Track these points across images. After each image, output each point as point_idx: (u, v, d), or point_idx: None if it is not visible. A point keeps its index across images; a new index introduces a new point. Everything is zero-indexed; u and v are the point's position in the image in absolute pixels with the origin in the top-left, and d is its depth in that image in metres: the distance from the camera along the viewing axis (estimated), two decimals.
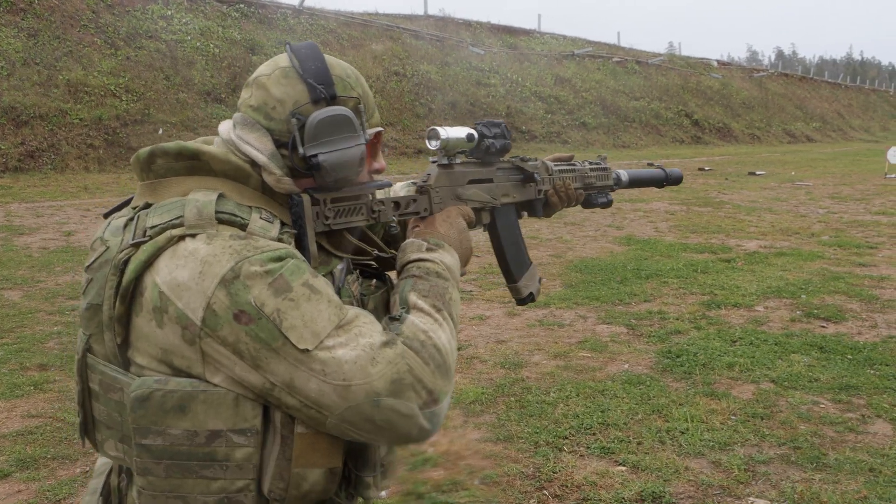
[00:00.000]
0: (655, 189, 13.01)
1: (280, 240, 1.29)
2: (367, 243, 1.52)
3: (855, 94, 61.50)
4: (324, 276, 1.35)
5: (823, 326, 6.16)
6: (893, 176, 20.17)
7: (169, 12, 21.50)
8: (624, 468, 3.73)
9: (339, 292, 1.38)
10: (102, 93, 17.87)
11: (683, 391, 4.73)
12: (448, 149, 1.64)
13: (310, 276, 1.25)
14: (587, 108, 31.89)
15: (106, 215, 1.42)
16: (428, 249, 1.49)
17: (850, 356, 5.36)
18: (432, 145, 1.63)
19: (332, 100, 1.38)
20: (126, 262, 1.25)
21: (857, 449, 3.93)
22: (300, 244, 1.34)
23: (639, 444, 4.00)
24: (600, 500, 3.45)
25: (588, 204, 2.09)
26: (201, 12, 22.64)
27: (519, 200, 1.85)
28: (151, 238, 1.24)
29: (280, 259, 1.23)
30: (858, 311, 6.62)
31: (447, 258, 1.49)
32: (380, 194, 1.58)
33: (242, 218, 1.28)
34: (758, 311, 6.64)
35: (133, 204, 1.37)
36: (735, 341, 5.77)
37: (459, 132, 1.63)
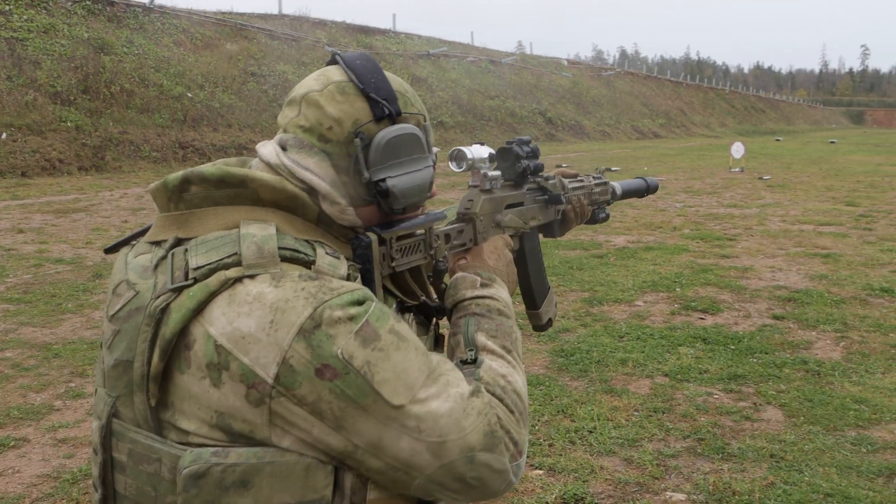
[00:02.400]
0: None
1: (349, 278, 1.15)
2: (419, 283, 1.37)
3: (695, 91, 64.85)
4: None
5: (702, 318, 6.43)
6: (738, 170, 21.38)
7: (7, 7, 20.18)
8: (541, 472, 3.76)
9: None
10: None
11: (584, 389, 4.82)
12: (475, 169, 1.53)
13: (394, 320, 1.11)
14: (444, 107, 32.22)
15: (109, 250, 1.25)
16: (483, 285, 1.37)
17: (732, 346, 5.61)
18: (458, 167, 1.51)
19: (397, 117, 1.24)
20: (164, 310, 1.06)
21: (755, 436, 4.11)
22: (365, 283, 1.21)
23: (550, 445, 4.04)
24: None
25: (591, 220, 2.03)
26: (44, 8, 21.34)
27: (543, 223, 1.78)
28: (198, 280, 1.06)
29: (360, 302, 1.08)
30: (731, 301, 6.95)
31: (504, 294, 1.38)
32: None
33: (307, 254, 1.12)
34: (638, 306, 6.86)
35: (153, 237, 1.18)
36: (622, 337, 5.93)
37: (482, 152, 1.53)
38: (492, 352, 1.25)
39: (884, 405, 4.50)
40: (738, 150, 21.94)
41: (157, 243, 1.17)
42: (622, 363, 5.29)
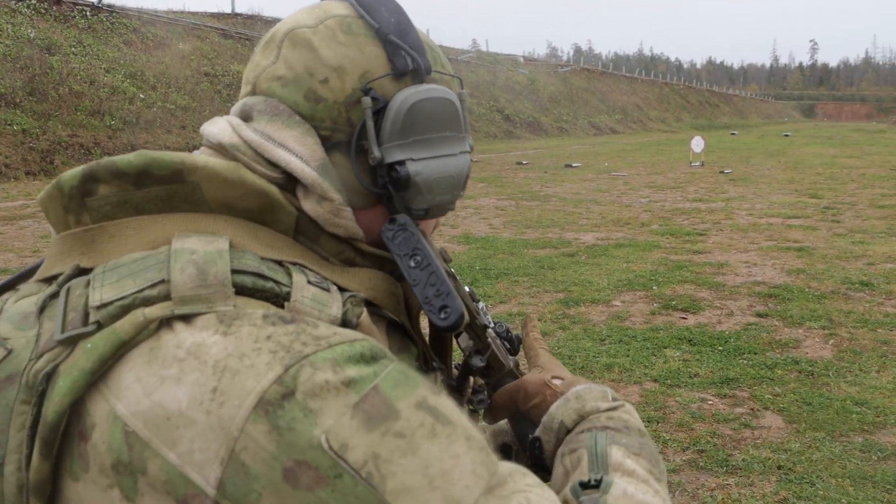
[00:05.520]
0: (481, 184, 13.07)
1: (346, 322, 0.72)
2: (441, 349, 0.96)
3: (650, 87, 65.29)
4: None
5: (684, 318, 6.21)
6: (698, 164, 21.38)
7: None
8: None
9: None
10: None
11: None
12: None
13: (428, 390, 0.66)
14: None
15: None
16: (614, 399, 0.94)
17: (719, 347, 5.39)
18: None
19: (425, 77, 0.83)
20: (50, 377, 0.64)
21: (758, 446, 3.87)
22: (402, 328, 0.81)
23: None
24: None
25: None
26: None
27: None
28: (102, 325, 0.65)
29: (366, 359, 0.64)
30: (711, 299, 6.75)
31: (637, 416, 0.94)
32: None
33: (278, 283, 0.70)
34: (616, 307, 6.62)
35: (45, 272, 0.75)
36: (604, 340, 5.68)
37: None
38: (630, 473, 0.80)
39: (886, 407, 4.30)
40: (697, 144, 21.95)
41: (50, 279, 0.74)
42: (607, 368, 5.03)
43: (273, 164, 0.78)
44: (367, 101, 0.78)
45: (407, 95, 0.80)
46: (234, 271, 0.68)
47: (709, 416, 4.24)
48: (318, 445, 0.59)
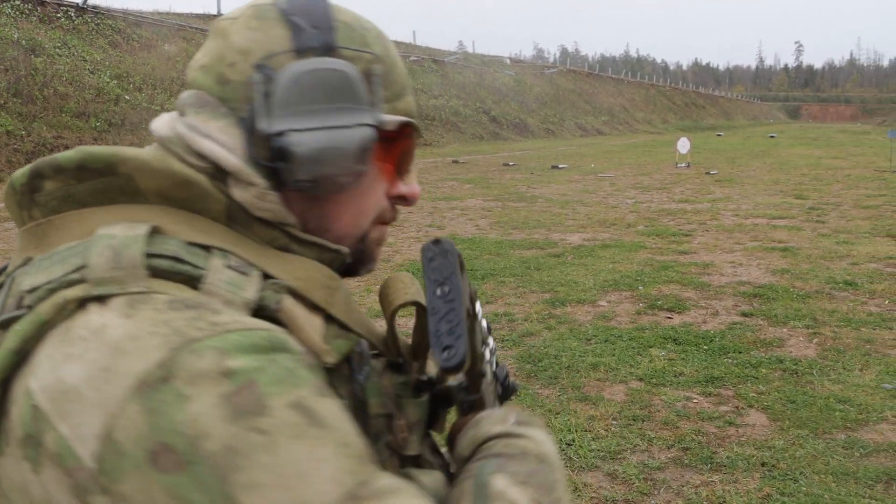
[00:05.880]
0: (468, 185, 13.07)
1: (262, 310, 0.74)
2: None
3: (636, 88, 65.50)
4: (338, 361, 0.78)
5: (669, 318, 6.24)
6: (684, 165, 21.47)
7: None
8: None
9: (363, 390, 0.84)
10: None
11: (556, 398, 4.56)
12: None
13: (313, 392, 0.66)
14: None
15: None
16: (519, 423, 0.89)
17: (704, 347, 5.41)
18: None
19: (330, 52, 0.84)
20: None
21: (742, 443, 3.89)
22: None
23: None
24: None
25: None
26: None
27: None
28: (31, 308, 0.69)
29: (258, 350, 0.66)
30: (696, 299, 6.78)
31: (548, 441, 0.89)
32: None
33: (195, 266, 0.73)
34: (602, 306, 6.64)
35: (10, 267, 0.79)
36: (590, 339, 5.70)
37: None
38: (511, 503, 0.76)
39: (868, 404, 4.33)
40: (683, 145, 22.04)
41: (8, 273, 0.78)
42: (593, 368, 5.05)
43: (202, 155, 0.81)
44: (256, 76, 0.80)
45: (294, 68, 0.80)
46: (151, 255, 0.71)
47: (693, 415, 4.27)
48: (181, 431, 0.60)
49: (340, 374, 0.80)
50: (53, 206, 0.77)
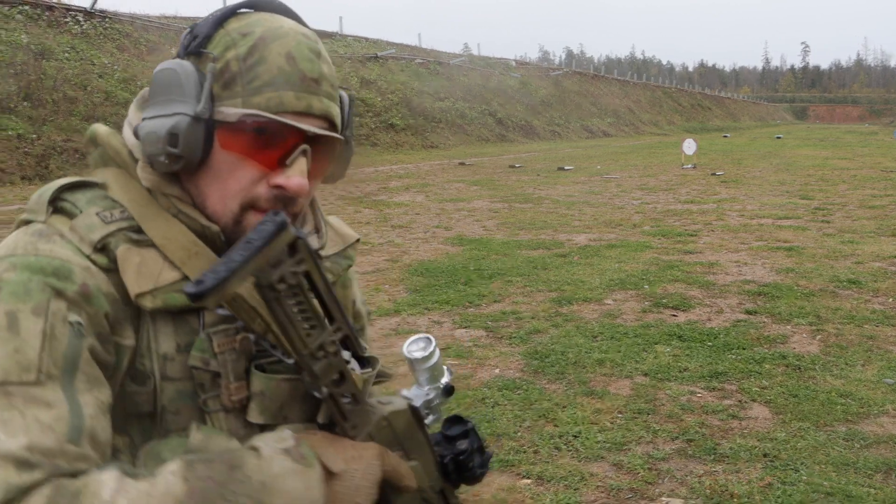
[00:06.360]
0: (475, 187, 13.06)
1: (103, 249, 0.94)
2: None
3: (642, 90, 65.47)
4: (155, 307, 0.94)
5: (675, 315, 6.32)
6: (690, 166, 21.52)
7: None
8: (529, 481, 3.58)
9: (190, 342, 0.96)
10: None
11: (563, 392, 4.66)
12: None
13: (31, 308, 0.86)
14: (394, 109, 31.96)
15: None
16: (285, 451, 0.87)
17: (709, 343, 5.50)
18: (416, 354, 1.19)
19: (198, 56, 1.01)
20: None
21: (745, 435, 3.98)
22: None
23: (535, 452, 3.87)
24: None
25: None
26: None
27: None
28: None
29: (36, 271, 0.88)
30: (701, 297, 6.86)
31: (295, 481, 0.85)
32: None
33: (80, 210, 0.97)
34: (608, 305, 6.73)
35: None
36: (596, 337, 5.79)
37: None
38: (158, 476, 0.81)
39: (869, 398, 4.41)
40: (689, 146, 22.10)
41: None
42: (599, 364, 5.14)
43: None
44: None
45: (157, 67, 1.02)
46: (60, 199, 0.98)
47: (698, 408, 4.36)
48: None
49: (185, 322, 0.98)
50: (92, 164, 1.07)
